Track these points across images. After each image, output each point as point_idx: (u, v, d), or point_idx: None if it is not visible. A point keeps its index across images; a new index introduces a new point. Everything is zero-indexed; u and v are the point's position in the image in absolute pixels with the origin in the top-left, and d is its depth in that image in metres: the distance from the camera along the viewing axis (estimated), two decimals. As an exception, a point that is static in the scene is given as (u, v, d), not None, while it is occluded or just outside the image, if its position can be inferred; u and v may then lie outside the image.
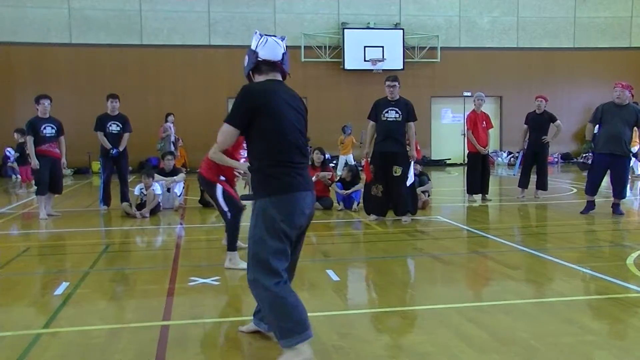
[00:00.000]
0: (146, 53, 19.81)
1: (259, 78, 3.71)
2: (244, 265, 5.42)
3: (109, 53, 19.53)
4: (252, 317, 4.03)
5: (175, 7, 20.07)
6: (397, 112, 8.63)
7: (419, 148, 9.49)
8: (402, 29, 21.01)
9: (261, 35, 3.70)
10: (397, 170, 8.58)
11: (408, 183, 8.73)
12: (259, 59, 3.66)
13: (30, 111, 10.49)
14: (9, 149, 14.86)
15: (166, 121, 16.46)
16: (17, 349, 3.77)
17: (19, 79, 19.03)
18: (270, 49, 3.66)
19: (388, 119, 8.66)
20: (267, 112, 3.47)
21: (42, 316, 4.54)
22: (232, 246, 5.93)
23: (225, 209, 5.92)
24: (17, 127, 14.88)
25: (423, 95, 20.41)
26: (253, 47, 3.70)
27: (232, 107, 3.57)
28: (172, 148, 15.73)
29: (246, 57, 3.75)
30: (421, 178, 10.22)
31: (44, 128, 9.57)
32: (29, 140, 9.52)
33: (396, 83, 8.68)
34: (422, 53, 21.26)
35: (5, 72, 19.06)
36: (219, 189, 5.95)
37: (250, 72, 3.75)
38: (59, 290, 5.17)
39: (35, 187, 9.80)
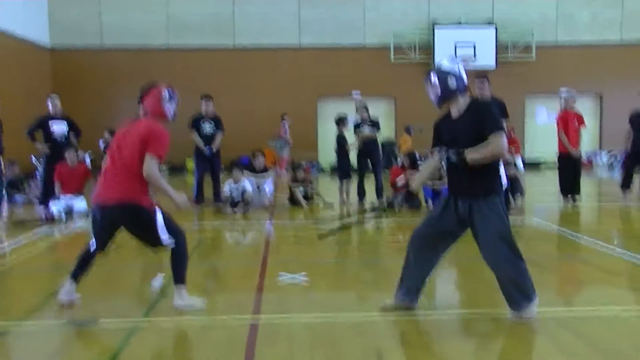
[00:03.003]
0: (238, 54, 20.33)
1: (461, 99, 4.12)
2: (198, 303, 4.58)
3: (203, 55, 20.19)
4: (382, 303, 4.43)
5: (266, 8, 20.46)
6: None
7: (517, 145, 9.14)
8: (495, 26, 20.43)
9: (457, 62, 4.20)
10: None
11: (502, 185, 8.46)
12: (465, 84, 4.11)
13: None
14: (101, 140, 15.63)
15: (283, 120, 17.30)
16: (119, 336, 3.97)
17: (122, 81, 20.02)
18: (465, 74, 4.15)
19: None
20: None
21: (141, 307, 4.76)
22: (182, 277, 4.55)
23: (165, 236, 4.47)
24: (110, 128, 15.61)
25: (517, 94, 19.76)
26: (458, 73, 4.10)
27: (496, 119, 4.00)
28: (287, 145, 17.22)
29: (452, 80, 4.08)
30: (514, 184, 9.77)
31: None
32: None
33: (485, 81, 8.44)
34: (516, 50, 20.59)
35: (110, 75, 20.11)
36: (159, 213, 4.49)
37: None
38: (157, 283, 5.40)
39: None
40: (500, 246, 4.03)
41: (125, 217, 4.44)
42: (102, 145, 15.59)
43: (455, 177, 4.17)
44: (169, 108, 4.62)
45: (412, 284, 4.34)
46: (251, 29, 20.50)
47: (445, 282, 5.81)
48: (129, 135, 4.46)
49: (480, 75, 8.64)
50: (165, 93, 4.61)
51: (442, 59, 4.24)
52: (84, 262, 4.63)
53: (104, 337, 3.97)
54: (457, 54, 20.02)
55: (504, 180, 8.54)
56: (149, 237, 4.50)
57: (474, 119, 4.00)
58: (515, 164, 10.42)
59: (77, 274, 4.61)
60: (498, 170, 4.11)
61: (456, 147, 4.00)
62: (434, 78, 4.10)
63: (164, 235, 4.45)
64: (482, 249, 4.13)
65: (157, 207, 4.50)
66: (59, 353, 3.82)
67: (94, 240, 4.59)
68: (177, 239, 4.52)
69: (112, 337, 3.97)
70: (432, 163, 4.33)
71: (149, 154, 4.32)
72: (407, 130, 17.57)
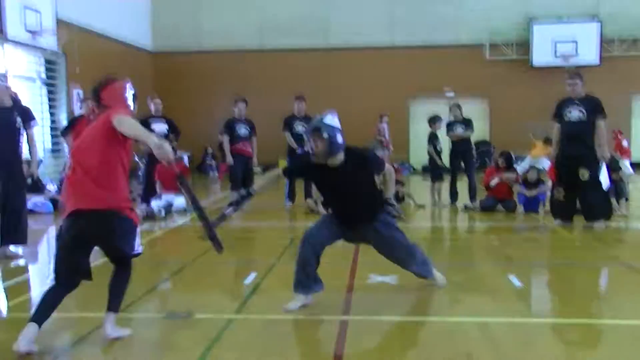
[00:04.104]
0: (330, 54, 20.49)
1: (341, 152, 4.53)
2: (124, 332, 3.95)
3: (296, 55, 20.50)
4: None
5: (359, 8, 20.50)
6: (581, 111, 8.02)
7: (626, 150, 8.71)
8: (599, 20, 19.45)
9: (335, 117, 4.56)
10: (584, 174, 7.96)
11: (604, 187, 8.07)
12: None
13: (227, 112, 11.36)
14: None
15: (381, 122, 17.46)
16: (213, 330, 4.11)
17: (218, 82, 20.70)
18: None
19: (571, 119, 8.09)
20: None
21: (234, 303, 4.90)
22: (119, 305, 3.93)
23: (139, 249, 3.90)
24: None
25: (622, 92, 18.73)
26: (340, 130, 4.44)
27: (379, 161, 4.78)
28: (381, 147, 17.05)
29: (340, 135, 4.42)
30: (619, 188, 9.29)
31: (239, 128, 10.32)
32: (225, 139, 10.32)
33: (577, 80, 8.10)
34: (622, 45, 19.51)
35: (207, 77, 20.86)
36: (133, 222, 3.85)
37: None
38: (249, 280, 5.54)
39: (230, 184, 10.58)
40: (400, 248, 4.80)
41: (104, 226, 3.73)
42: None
43: (344, 212, 4.68)
44: (132, 101, 4.02)
45: (313, 276, 4.64)
46: (343, 28, 20.61)
47: (539, 289, 5.61)
48: (88, 135, 3.82)
49: (573, 73, 8.29)
50: (128, 85, 4.05)
51: (327, 117, 4.48)
52: (51, 302, 3.76)
53: (198, 331, 4.11)
54: (557, 51, 19.26)
55: (607, 183, 8.17)
56: (124, 250, 3.83)
57: (358, 166, 4.52)
58: (620, 168, 9.89)
59: (42, 317, 3.70)
60: (381, 195, 4.79)
61: (341, 193, 4.54)
62: (325, 133, 4.35)
63: (138, 244, 3.86)
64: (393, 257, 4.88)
65: (134, 211, 3.90)
66: (157, 344, 3.99)
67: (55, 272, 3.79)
68: (140, 251, 3.91)
69: (205, 331, 4.10)
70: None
71: (113, 116, 3.64)
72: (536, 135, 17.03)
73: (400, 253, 4.81)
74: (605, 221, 8.12)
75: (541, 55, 19.47)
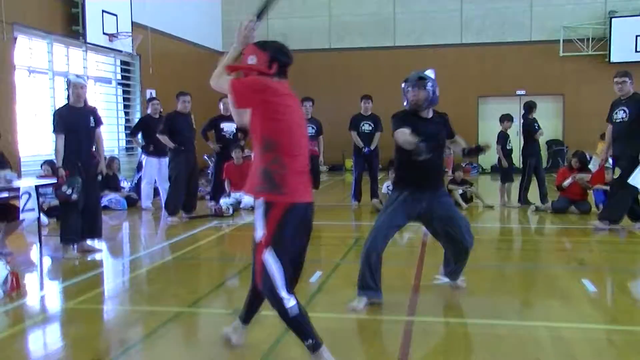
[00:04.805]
0: (398, 54, 20.32)
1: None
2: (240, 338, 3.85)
3: (363, 56, 20.46)
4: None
5: (428, 7, 20.25)
6: (624, 112, 7.68)
7: None
8: (684, 14, 18.47)
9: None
10: (617, 173, 7.67)
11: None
12: None
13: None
14: None
15: None
16: (278, 327, 4.14)
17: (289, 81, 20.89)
18: None
19: (616, 120, 7.78)
20: None
21: (300, 301, 4.92)
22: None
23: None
24: None
25: None
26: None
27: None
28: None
29: (437, 90, 4.78)
30: None
31: (306, 128, 10.38)
32: (292, 138, 10.40)
33: (626, 79, 7.74)
34: None
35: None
36: None
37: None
38: (314, 279, 5.57)
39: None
40: (466, 222, 4.82)
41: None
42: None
43: (420, 172, 4.59)
44: None
45: (379, 280, 4.61)
46: (412, 28, 20.41)
47: (614, 294, 5.38)
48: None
49: (620, 72, 7.96)
50: None
51: (429, 71, 4.88)
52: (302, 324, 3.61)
53: (264, 328, 4.16)
54: (638, 47, 18.43)
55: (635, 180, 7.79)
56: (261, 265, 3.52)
57: (442, 123, 4.86)
58: None
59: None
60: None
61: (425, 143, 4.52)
62: (429, 84, 4.67)
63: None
64: (451, 227, 4.67)
65: None
66: (222, 339, 4.07)
67: (283, 280, 3.54)
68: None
69: (271, 328, 4.14)
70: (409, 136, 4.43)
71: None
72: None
73: (461, 223, 4.68)
74: (609, 223, 7.86)
75: (620, 51, 18.62)
